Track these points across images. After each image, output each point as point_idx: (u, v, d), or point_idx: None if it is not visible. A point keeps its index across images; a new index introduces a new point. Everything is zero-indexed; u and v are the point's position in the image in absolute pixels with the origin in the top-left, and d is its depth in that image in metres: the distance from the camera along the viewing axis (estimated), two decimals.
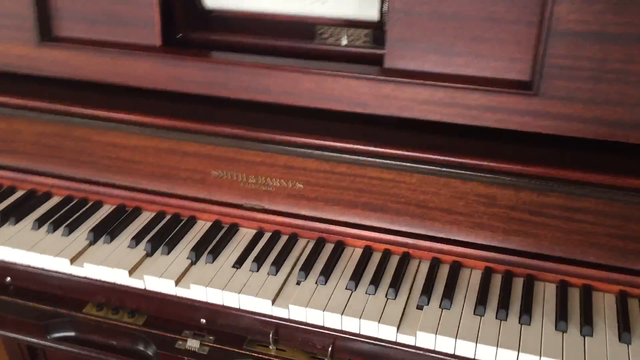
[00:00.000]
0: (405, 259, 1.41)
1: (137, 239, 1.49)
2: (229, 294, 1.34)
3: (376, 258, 1.43)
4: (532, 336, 1.22)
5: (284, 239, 1.50)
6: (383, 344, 1.26)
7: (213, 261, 1.43)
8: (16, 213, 1.59)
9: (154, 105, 1.53)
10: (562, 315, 1.25)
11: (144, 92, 1.54)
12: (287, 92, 1.42)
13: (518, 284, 1.35)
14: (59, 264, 1.45)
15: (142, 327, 1.40)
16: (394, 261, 1.42)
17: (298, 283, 1.37)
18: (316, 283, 1.36)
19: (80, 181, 1.66)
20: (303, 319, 1.31)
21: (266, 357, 1.32)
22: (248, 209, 1.53)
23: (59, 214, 1.59)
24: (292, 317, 1.32)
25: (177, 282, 1.37)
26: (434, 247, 1.41)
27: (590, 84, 1.23)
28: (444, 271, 1.39)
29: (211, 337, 1.37)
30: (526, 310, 1.26)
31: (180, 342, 1.36)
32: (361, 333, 1.28)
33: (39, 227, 1.55)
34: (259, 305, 1.32)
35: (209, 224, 1.56)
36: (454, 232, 1.39)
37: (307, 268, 1.39)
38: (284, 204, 1.50)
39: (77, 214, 1.59)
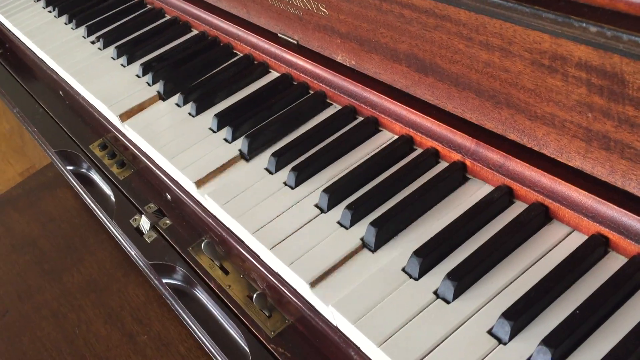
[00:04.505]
0: (453, 173, 0.73)
1: (147, 66, 1.10)
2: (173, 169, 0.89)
3: (405, 160, 0.77)
4: None
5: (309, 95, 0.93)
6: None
7: (196, 114, 0.97)
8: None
9: None
10: None
11: None
12: None
13: None
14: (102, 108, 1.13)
15: (117, 183, 1.06)
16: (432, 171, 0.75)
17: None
18: (284, 184, 0.80)
19: None
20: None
21: (202, 272, 0.86)
22: (283, 43, 0.99)
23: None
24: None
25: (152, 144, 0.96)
26: (510, 170, 0.68)
27: None
28: None
29: (168, 222, 0.95)
30: None
31: (136, 217, 0.99)
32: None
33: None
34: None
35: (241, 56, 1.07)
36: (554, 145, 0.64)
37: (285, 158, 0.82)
38: (316, 40, 0.91)
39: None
